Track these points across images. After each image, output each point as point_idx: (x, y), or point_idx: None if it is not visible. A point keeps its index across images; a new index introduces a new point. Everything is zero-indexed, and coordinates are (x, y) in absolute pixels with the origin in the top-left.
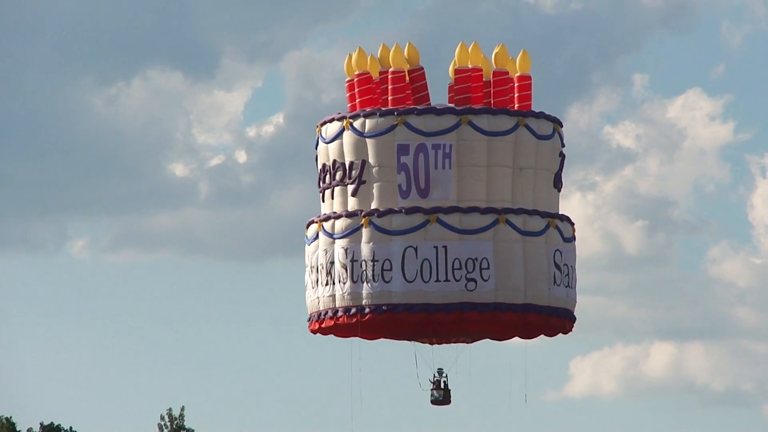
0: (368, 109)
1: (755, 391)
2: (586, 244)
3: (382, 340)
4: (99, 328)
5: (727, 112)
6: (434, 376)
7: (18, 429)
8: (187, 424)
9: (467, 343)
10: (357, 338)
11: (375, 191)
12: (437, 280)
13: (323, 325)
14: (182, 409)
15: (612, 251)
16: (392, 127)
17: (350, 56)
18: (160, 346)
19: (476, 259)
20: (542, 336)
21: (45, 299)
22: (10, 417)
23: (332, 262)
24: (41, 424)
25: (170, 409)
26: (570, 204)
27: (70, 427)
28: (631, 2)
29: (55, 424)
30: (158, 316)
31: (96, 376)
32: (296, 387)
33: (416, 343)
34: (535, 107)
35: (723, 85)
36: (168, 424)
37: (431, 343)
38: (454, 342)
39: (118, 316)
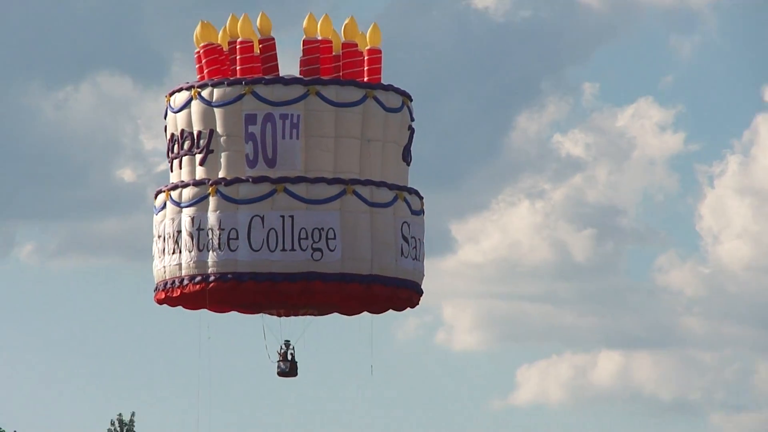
0: (216, 79)
1: (702, 401)
2: (535, 252)
3: (231, 313)
4: (47, 334)
5: (678, 122)
6: (281, 348)
7: None
8: (137, 429)
9: (315, 315)
10: (206, 311)
11: (222, 160)
12: (283, 250)
13: (169, 294)
14: (132, 414)
15: (560, 259)
16: (240, 97)
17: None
18: (109, 351)
19: (323, 229)
20: (391, 311)
21: None
22: None
23: (179, 231)
24: None
25: (120, 415)
26: (518, 211)
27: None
28: (580, 11)
29: (2, 430)
30: (106, 322)
31: (45, 382)
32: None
33: (264, 315)
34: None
35: (674, 95)
36: (118, 429)
37: (279, 315)
38: (303, 315)
39: (67, 321)
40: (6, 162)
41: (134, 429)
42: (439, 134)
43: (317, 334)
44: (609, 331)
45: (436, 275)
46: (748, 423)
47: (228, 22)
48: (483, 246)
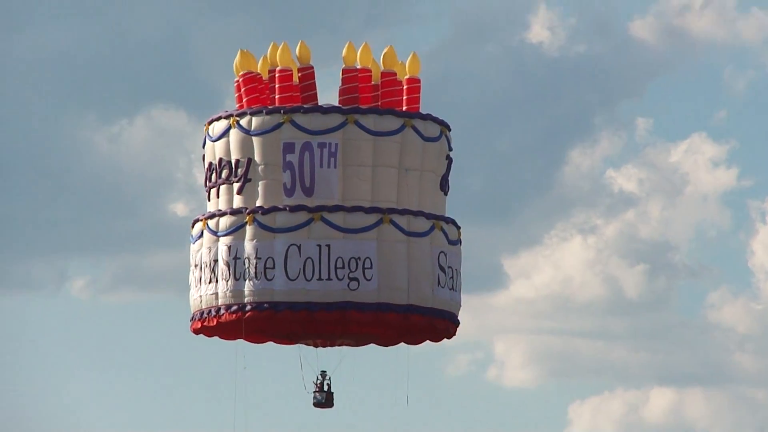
0: (254, 107)
1: None
2: (587, 287)
3: (268, 343)
4: (98, 368)
5: (731, 158)
6: (317, 379)
7: None
8: None
9: (352, 346)
10: (242, 341)
11: (260, 189)
12: (320, 279)
13: (205, 324)
14: None
15: (612, 295)
16: (278, 125)
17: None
18: (161, 386)
19: (359, 258)
20: (428, 342)
21: (46, 339)
22: None
23: (216, 260)
24: None
25: None
26: (571, 247)
27: None
28: (635, 45)
29: None
30: (159, 356)
31: (97, 414)
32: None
33: (301, 345)
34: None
35: (727, 130)
36: None
37: (315, 346)
38: (339, 345)
39: (118, 355)
40: (59, 195)
41: None
42: (493, 168)
43: (353, 365)
44: (661, 367)
45: (488, 310)
46: None
47: (269, 50)
48: (535, 281)
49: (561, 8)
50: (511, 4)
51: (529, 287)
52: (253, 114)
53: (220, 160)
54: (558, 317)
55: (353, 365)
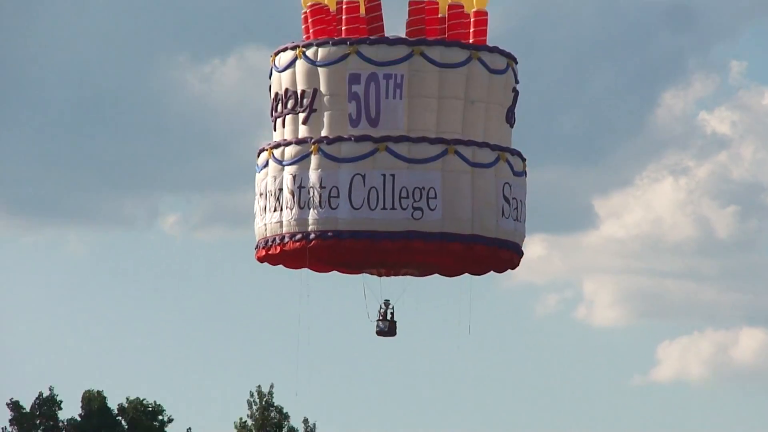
0: (321, 39)
1: None
2: (678, 228)
3: (333, 273)
4: (189, 306)
5: None
6: (381, 308)
7: (108, 404)
8: (276, 401)
9: (415, 276)
10: (307, 270)
11: (325, 119)
12: (384, 208)
13: (270, 252)
14: (271, 386)
15: (703, 236)
16: (344, 57)
17: None
18: (250, 323)
19: (423, 188)
20: (492, 273)
21: (137, 275)
22: (102, 391)
23: (281, 189)
24: (127, 398)
25: (259, 386)
26: (662, 188)
27: (155, 402)
28: None
29: (143, 399)
30: (248, 293)
31: (186, 353)
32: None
33: (365, 275)
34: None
35: None
36: (257, 401)
37: (380, 275)
38: (403, 274)
39: (209, 293)
40: (152, 134)
41: (273, 401)
42: (585, 110)
43: (416, 295)
44: (751, 308)
45: (578, 250)
46: None
47: None
48: (626, 222)
49: None
50: None
51: (620, 227)
52: (319, 45)
53: (286, 90)
54: (648, 257)
55: (416, 294)
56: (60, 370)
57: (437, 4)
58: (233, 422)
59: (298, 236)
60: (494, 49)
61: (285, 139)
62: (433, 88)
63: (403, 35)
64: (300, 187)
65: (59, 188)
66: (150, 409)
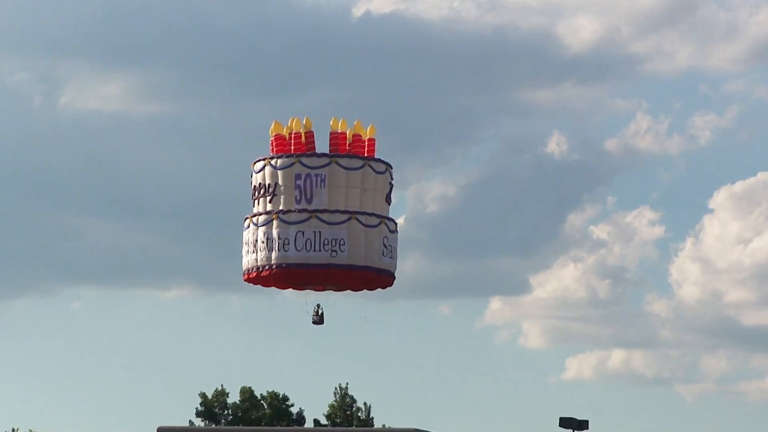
0: (279, 153)
1: None
2: (576, 292)
3: (289, 290)
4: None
5: None
6: (315, 308)
7: (227, 391)
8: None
9: (335, 291)
10: (273, 288)
11: (282, 200)
12: (315, 250)
13: (251, 276)
14: (346, 384)
15: (591, 296)
16: (292, 164)
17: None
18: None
19: (336, 239)
20: (378, 290)
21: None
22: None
23: (256, 240)
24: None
25: (347, 384)
26: (568, 269)
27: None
28: None
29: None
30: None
31: (273, 346)
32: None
33: (308, 290)
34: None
35: None
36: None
37: (315, 290)
38: (330, 290)
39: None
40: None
41: (350, 393)
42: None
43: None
44: (618, 337)
45: (520, 305)
46: None
47: (289, 121)
48: (547, 288)
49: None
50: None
51: (544, 292)
52: (278, 158)
53: (260, 183)
54: (561, 309)
55: (339, 302)
56: None
57: (346, 134)
58: None
59: (267, 267)
60: (378, 160)
61: (259, 211)
62: (343, 182)
63: (326, 151)
64: (267, 238)
65: None
66: None
